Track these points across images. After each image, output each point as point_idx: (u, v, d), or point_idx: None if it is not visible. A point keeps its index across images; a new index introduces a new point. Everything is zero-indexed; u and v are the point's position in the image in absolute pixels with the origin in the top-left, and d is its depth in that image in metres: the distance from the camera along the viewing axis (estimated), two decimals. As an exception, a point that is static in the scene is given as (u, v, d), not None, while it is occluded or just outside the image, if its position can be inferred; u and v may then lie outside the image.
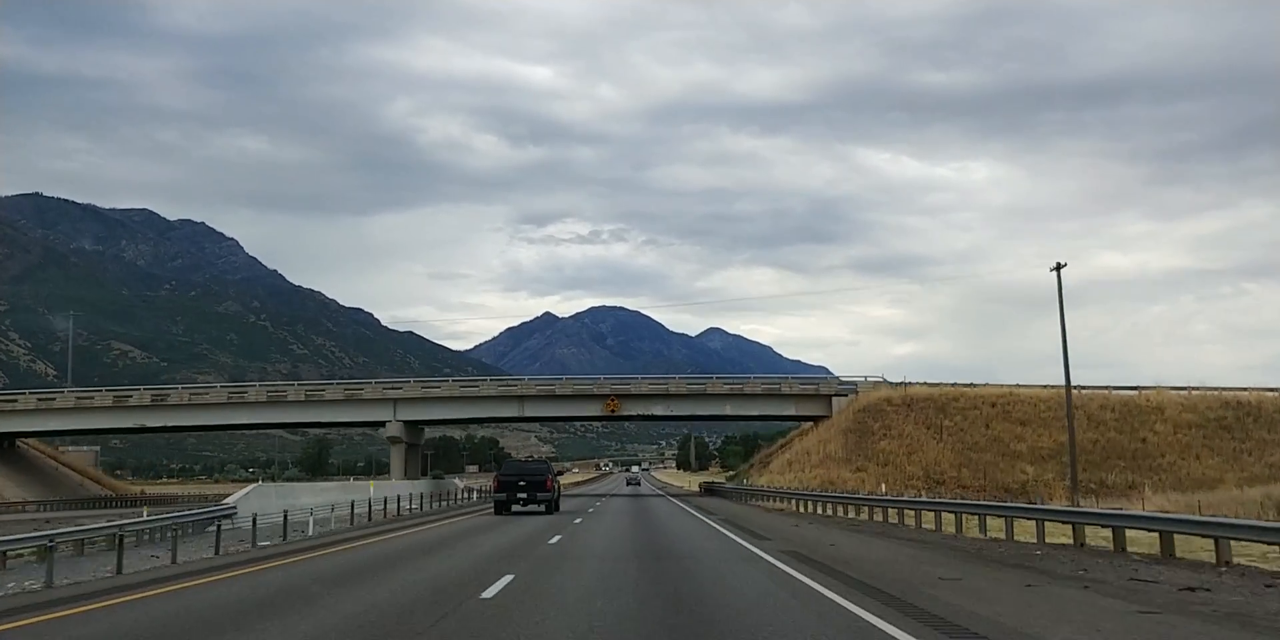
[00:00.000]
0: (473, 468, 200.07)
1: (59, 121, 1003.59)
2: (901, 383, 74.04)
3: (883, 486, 60.65)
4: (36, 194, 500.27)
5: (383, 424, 74.04)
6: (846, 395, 73.26)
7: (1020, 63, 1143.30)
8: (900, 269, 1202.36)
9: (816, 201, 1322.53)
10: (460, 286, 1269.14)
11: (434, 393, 75.00)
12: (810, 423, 79.96)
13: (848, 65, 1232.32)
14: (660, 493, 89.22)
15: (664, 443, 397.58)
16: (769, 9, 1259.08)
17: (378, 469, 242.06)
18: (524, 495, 41.19)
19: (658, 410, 74.78)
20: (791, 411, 74.65)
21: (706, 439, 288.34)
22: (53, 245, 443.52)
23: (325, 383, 76.05)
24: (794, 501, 48.05)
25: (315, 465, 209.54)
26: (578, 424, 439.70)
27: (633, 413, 74.68)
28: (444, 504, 56.29)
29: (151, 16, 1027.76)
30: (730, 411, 74.75)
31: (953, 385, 73.91)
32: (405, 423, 73.97)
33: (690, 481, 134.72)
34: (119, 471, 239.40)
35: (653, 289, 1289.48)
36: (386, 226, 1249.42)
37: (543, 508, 41.45)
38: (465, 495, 71.02)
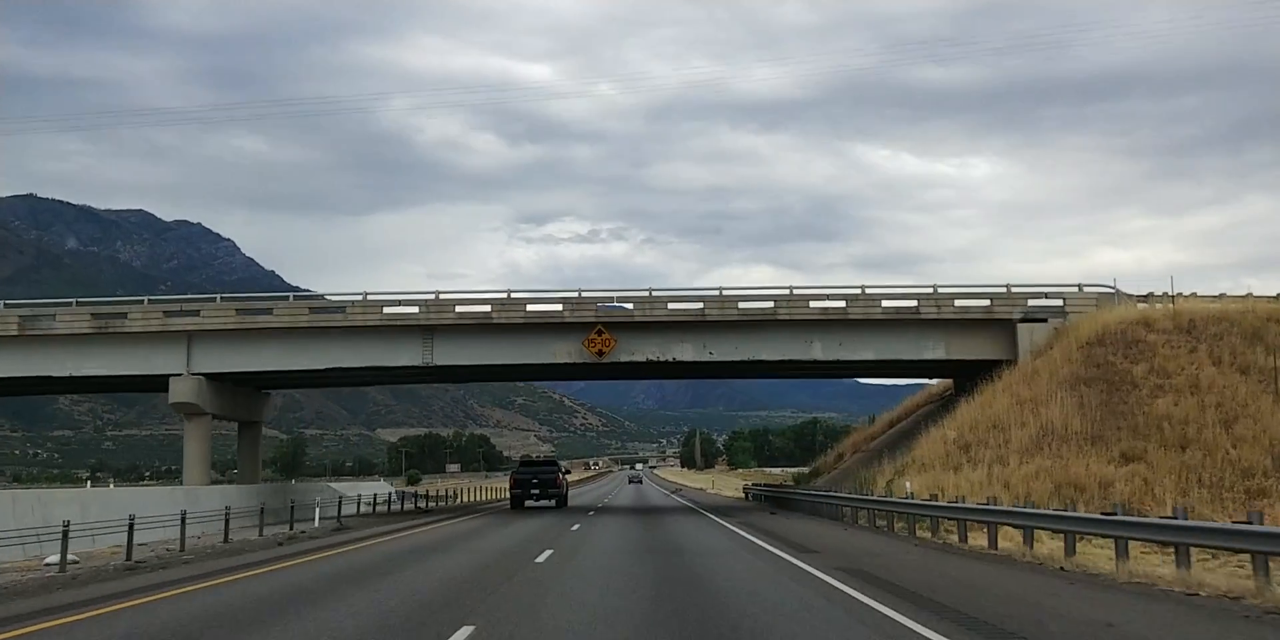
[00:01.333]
0: (454, 467, 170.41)
1: (54, 123, 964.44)
2: (1154, 294, 36.01)
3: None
4: (30, 195, 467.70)
5: (165, 380, 36.04)
6: (1046, 320, 35.58)
7: (1021, 58, 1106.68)
8: (900, 266, 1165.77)
9: (816, 199, 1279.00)
10: (459, 286, 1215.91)
11: (262, 321, 36.62)
12: (945, 378, 42.22)
13: (847, 61, 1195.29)
14: (682, 502, 51.49)
15: (664, 441, 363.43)
16: (767, 5, 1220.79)
17: (363, 470, 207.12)
18: (537, 491, 42.06)
19: (682, 353, 37.10)
20: (939, 353, 36.46)
21: (713, 436, 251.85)
22: (47, 247, 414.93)
23: (59, 303, 37.54)
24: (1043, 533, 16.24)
25: (291, 465, 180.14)
26: (577, 422, 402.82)
27: (637, 358, 37.07)
28: (259, 537, 24.16)
29: (146, 16, 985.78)
30: (820, 355, 36.84)
31: (1245, 296, 36.07)
32: (209, 377, 36.13)
33: (712, 483, 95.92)
34: (99, 474, 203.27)
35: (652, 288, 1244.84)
36: (384, 226, 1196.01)
37: (553, 502, 42.68)
38: (361, 508, 33.26)
